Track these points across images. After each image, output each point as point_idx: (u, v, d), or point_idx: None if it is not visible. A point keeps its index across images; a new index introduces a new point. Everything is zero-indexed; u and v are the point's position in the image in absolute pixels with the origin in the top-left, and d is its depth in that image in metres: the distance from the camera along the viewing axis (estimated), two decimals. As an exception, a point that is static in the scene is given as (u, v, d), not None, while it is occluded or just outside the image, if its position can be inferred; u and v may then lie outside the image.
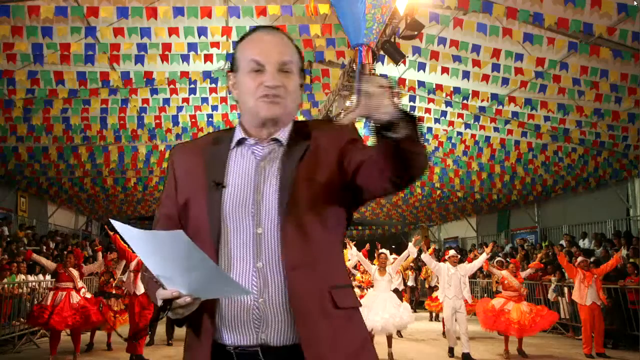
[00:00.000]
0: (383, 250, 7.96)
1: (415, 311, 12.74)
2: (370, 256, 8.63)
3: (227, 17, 6.80)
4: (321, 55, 7.78)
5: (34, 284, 9.45)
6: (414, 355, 7.73)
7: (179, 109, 9.40)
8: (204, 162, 1.37)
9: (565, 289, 10.29)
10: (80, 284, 7.18)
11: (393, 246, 14.45)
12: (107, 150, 11.07)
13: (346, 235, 1.48)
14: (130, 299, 7.29)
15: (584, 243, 12.63)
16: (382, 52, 6.74)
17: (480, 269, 10.07)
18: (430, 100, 9.31)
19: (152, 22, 6.63)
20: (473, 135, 10.83)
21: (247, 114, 1.37)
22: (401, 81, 8.84)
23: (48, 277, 9.25)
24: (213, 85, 8.67)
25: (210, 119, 9.98)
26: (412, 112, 1.21)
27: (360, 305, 1.41)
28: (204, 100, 9.24)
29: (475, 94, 8.73)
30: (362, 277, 9.27)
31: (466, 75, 7.94)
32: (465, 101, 9.22)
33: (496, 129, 10.39)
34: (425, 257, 8.03)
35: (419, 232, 22.26)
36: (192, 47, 7.13)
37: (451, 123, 10.41)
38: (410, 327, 8.41)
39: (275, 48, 1.34)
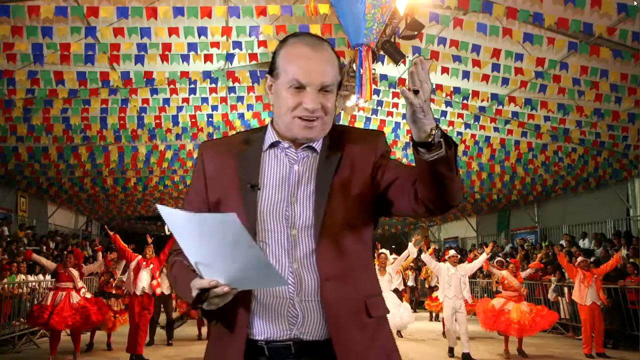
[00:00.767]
0: (383, 250, 7.96)
1: (415, 311, 12.74)
2: (370, 256, 8.61)
3: (227, 17, 6.80)
4: (321, 55, 7.77)
5: (34, 284, 9.45)
6: (414, 355, 7.73)
7: (179, 109, 9.41)
8: (235, 163, 1.37)
9: (565, 289, 10.29)
10: (80, 284, 7.18)
11: (393, 246, 14.46)
12: (107, 150, 11.07)
13: None
14: (130, 299, 7.29)
15: (584, 243, 12.63)
16: (382, 52, 6.74)
17: (480, 269, 10.07)
18: (431, 100, 9.28)
19: (152, 22, 6.63)
20: (473, 135, 10.83)
21: (282, 124, 1.36)
22: (401, 81, 8.84)
23: (48, 277, 9.25)
24: (213, 85, 8.68)
25: (210, 119, 9.99)
26: (452, 138, 1.26)
27: (389, 312, 1.44)
28: (204, 100, 9.25)
29: (475, 94, 8.73)
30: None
31: (466, 75, 7.94)
32: (465, 101, 9.22)
33: (496, 129, 10.39)
34: (425, 257, 8.03)
35: (419, 232, 22.28)
36: (192, 47, 7.13)
37: (451, 123, 10.40)
38: (410, 327, 8.43)
39: (318, 68, 1.32)
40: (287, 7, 6.49)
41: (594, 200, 13.53)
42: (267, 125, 1.44)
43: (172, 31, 6.75)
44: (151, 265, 7.25)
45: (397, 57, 6.70)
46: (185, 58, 7.29)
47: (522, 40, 6.90)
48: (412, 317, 7.79)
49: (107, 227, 9.22)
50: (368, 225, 1.39)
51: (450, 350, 7.68)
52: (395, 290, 8.64)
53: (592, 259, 9.16)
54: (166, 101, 9.08)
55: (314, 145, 1.38)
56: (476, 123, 10.10)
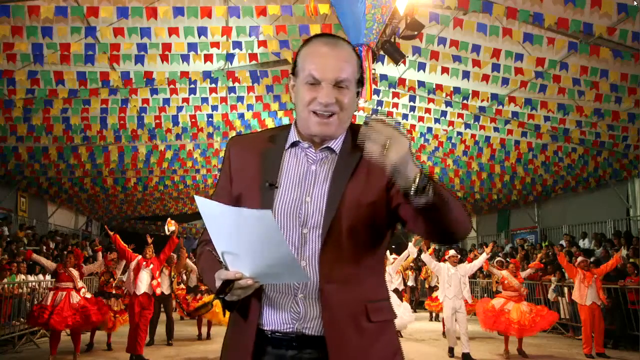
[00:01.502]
0: (383, 250, 7.93)
1: (415, 311, 12.74)
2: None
3: (227, 17, 6.80)
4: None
5: (34, 284, 9.45)
6: (414, 355, 7.73)
7: (179, 109, 9.41)
8: (259, 161, 1.42)
9: (565, 289, 10.29)
10: (80, 284, 7.17)
11: (393, 246, 14.44)
12: (107, 150, 11.07)
13: None
14: (130, 299, 7.28)
15: (584, 243, 12.63)
16: (382, 52, 6.74)
17: (480, 269, 10.06)
18: (430, 100, 9.31)
19: (152, 22, 6.63)
20: (473, 135, 10.83)
21: (301, 121, 1.42)
22: (401, 81, 8.85)
23: (48, 277, 9.25)
24: (213, 85, 8.68)
25: (210, 119, 9.99)
26: (426, 172, 1.22)
27: (396, 317, 1.46)
28: (204, 100, 9.25)
29: (475, 94, 8.73)
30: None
31: (466, 75, 7.94)
32: (465, 101, 9.22)
33: (496, 129, 10.39)
34: (425, 257, 8.03)
35: (419, 232, 22.22)
36: (192, 47, 7.13)
37: (451, 123, 10.41)
38: (410, 327, 8.44)
39: (334, 64, 1.35)
40: (287, 7, 6.49)
41: (594, 200, 13.53)
42: (292, 123, 1.48)
43: (172, 31, 6.75)
44: (151, 265, 7.25)
45: (397, 57, 6.70)
46: (185, 58, 7.29)
47: (522, 40, 6.90)
48: (412, 317, 7.80)
49: (107, 227, 9.21)
50: (379, 232, 1.40)
51: (450, 350, 7.68)
52: (395, 290, 8.65)
53: (592, 259, 9.16)
54: (166, 101, 9.08)
55: (332, 146, 1.41)
56: (476, 123, 10.10)
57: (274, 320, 1.35)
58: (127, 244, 7.55)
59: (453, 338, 7.63)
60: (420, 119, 10.00)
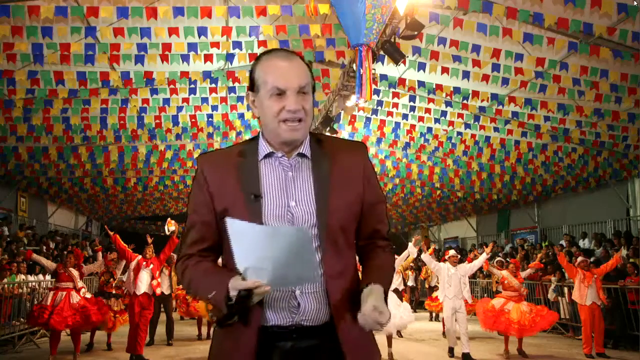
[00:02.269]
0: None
1: (415, 311, 12.73)
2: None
3: (227, 17, 6.80)
4: (321, 55, 7.78)
5: (34, 284, 9.45)
6: (414, 355, 7.73)
7: (179, 109, 9.41)
8: (236, 173, 1.50)
9: (565, 289, 10.29)
10: (80, 284, 7.17)
11: (393, 246, 14.41)
12: (107, 150, 11.07)
13: None
14: (130, 299, 7.28)
15: (584, 243, 12.62)
16: (382, 52, 6.73)
17: (480, 269, 10.06)
18: (430, 100, 9.31)
19: (152, 22, 6.63)
20: (473, 135, 10.83)
21: (270, 133, 1.50)
22: (401, 81, 8.84)
23: (48, 277, 9.25)
24: (213, 85, 8.68)
25: (210, 119, 9.99)
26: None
27: None
28: (204, 100, 9.25)
29: (475, 94, 8.73)
30: (362, 277, 9.24)
31: (466, 75, 7.94)
32: (465, 101, 9.21)
33: (496, 129, 10.39)
34: (425, 257, 8.03)
35: (419, 232, 22.26)
36: (192, 47, 7.13)
37: (451, 123, 10.41)
38: (410, 327, 8.42)
39: (294, 73, 1.46)
40: (287, 7, 6.49)
41: (594, 200, 13.53)
42: (257, 136, 1.57)
43: (172, 31, 6.75)
44: (151, 265, 7.25)
45: (397, 57, 6.69)
46: (185, 58, 7.29)
47: (522, 40, 6.90)
48: (412, 317, 7.78)
49: (107, 227, 9.21)
50: (354, 231, 1.55)
51: (450, 350, 7.68)
52: (395, 290, 8.61)
53: (592, 259, 9.16)
54: (166, 101, 9.08)
55: (303, 151, 1.52)
56: (476, 123, 10.10)
57: (274, 316, 1.44)
58: (127, 244, 7.55)
59: (453, 338, 7.62)
60: (420, 119, 10.00)
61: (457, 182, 14.02)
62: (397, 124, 10.50)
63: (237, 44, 7.22)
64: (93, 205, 18.05)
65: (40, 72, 7.53)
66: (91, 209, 18.95)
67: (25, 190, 14.99)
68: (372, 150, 11.81)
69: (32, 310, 7.15)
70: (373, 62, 6.10)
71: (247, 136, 11.34)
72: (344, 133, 10.97)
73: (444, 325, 8.64)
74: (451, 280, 7.62)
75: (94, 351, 7.93)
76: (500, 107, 9.30)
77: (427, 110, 9.73)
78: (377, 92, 9.02)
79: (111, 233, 7.30)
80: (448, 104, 9.46)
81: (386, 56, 6.87)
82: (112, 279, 8.25)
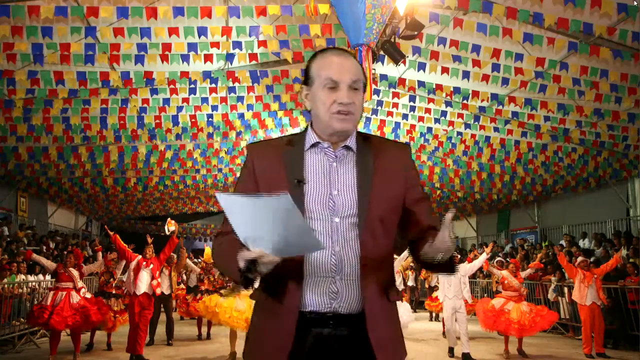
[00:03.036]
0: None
1: (415, 311, 12.75)
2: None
3: (227, 17, 6.79)
4: (321, 55, 7.76)
5: (34, 284, 9.45)
6: (414, 355, 7.73)
7: (179, 109, 9.40)
8: (282, 161, 1.57)
9: (565, 289, 10.29)
10: (80, 284, 7.17)
11: (393, 246, 14.40)
12: (107, 150, 11.06)
13: None
14: (130, 299, 7.28)
15: (584, 243, 12.62)
16: (382, 52, 6.74)
17: (480, 269, 10.06)
18: (430, 100, 9.31)
19: (152, 22, 6.63)
20: (473, 135, 10.83)
21: (320, 123, 1.57)
22: (401, 81, 8.84)
23: (48, 277, 9.25)
24: (213, 85, 8.67)
25: (210, 119, 9.99)
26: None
27: (401, 300, 1.63)
28: (204, 100, 9.24)
29: (475, 94, 8.73)
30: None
31: (466, 75, 7.94)
32: (465, 101, 9.21)
33: (496, 129, 10.39)
34: (425, 257, 8.01)
35: (419, 232, 22.21)
36: (192, 47, 7.13)
37: (451, 123, 10.41)
38: (410, 327, 8.41)
39: (348, 67, 1.54)
40: (287, 7, 6.49)
41: (594, 200, 13.53)
42: (307, 128, 1.65)
43: (172, 31, 6.75)
44: (151, 265, 7.25)
45: (397, 57, 6.70)
46: (185, 58, 7.28)
47: (522, 40, 6.90)
48: (412, 317, 7.79)
49: (107, 227, 9.21)
50: (395, 224, 1.59)
51: (450, 350, 7.68)
52: (395, 290, 8.62)
53: (592, 259, 9.16)
54: (166, 101, 9.07)
55: (349, 144, 1.58)
56: (476, 123, 10.10)
57: (313, 301, 1.48)
58: (127, 244, 7.54)
59: (453, 338, 7.63)
60: (420, 119, 10.01)
61: (457, 182, 14.02)
62: (397, 124, 10.50)
63: (237, 44, 7.22)
64: (93, 205, 18.05)
65: (40, 72, 7.53)
66: (91, 209, 18.95)
67: (25, 190, 14.99)
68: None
69: (32, 310, 7.14)
70: (373, 62, 6.11)
71: (247, 136, 11.35)
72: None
73: (444, 325, 8.64)
74: (451, 280, 7.62)
75: (94, 351, 7.93)
76: (500, 107, 9.30)
77: (427, 110, 9.73)
78: (377, 92, 9.02)
79: (111, 233, 7.30)
80: (448, 104, 9.47)
81: (386, 56, 6.88)
82: (112, 279, 8.25)
